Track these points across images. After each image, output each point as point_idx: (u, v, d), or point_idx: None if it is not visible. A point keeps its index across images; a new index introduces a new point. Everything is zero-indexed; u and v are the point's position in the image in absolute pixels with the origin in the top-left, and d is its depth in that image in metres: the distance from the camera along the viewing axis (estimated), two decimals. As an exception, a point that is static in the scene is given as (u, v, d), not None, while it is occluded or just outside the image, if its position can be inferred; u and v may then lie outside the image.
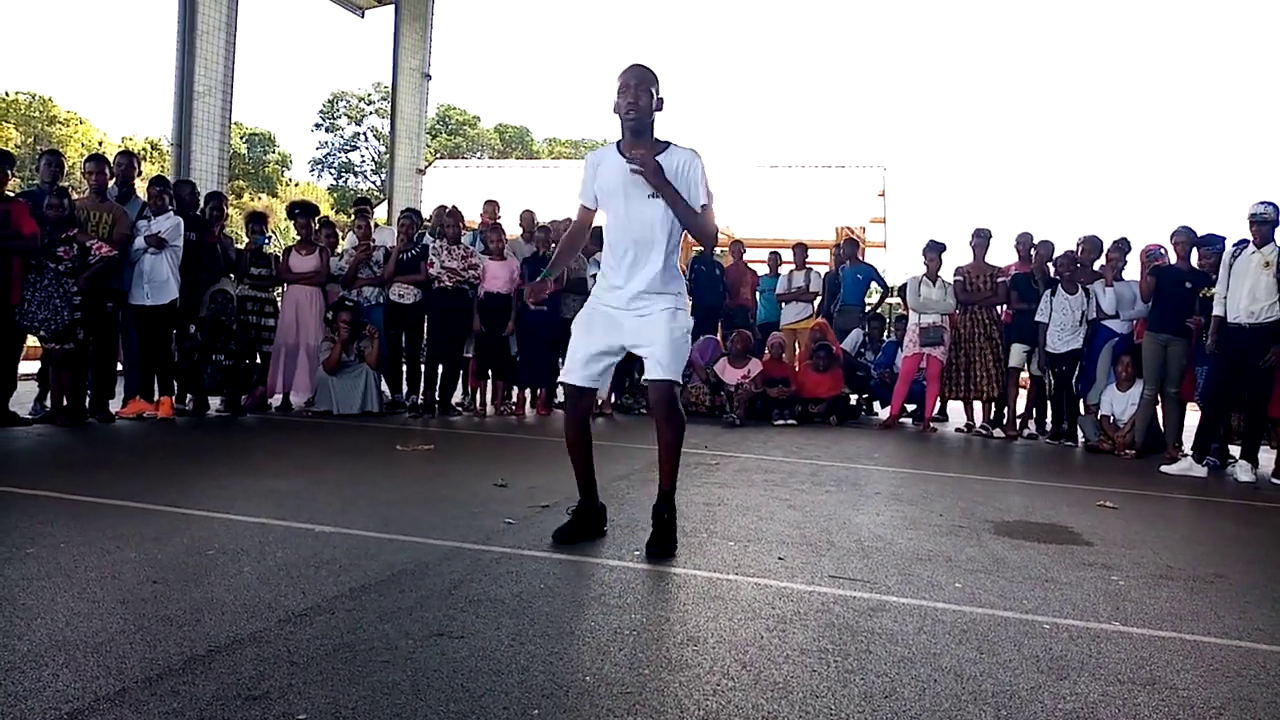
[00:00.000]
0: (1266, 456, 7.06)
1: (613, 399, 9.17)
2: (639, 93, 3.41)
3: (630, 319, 3.54)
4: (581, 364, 3.59)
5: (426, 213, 10.30)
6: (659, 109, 3.48)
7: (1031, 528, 4.51)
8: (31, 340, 6.82)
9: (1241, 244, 6.80)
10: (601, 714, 2.07)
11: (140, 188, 7.76)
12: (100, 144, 31.22)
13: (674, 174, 3.43)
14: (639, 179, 3.44)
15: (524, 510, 4.21)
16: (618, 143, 3.57)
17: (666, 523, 3.58)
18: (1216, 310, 6.84)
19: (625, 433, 7.71)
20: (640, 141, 3.47)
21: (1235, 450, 7.21)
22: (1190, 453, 7.15)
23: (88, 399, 6.87)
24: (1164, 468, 6.97)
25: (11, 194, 6.46)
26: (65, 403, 6.67)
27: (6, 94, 34.11)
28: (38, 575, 2.90)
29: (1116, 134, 74.57)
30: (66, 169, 7.66)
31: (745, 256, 11.02)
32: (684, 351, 3.58)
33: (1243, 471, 6.70)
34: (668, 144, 3.51)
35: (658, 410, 3.53)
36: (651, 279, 3.52)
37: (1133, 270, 8.49)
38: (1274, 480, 6.67)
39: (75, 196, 6.88)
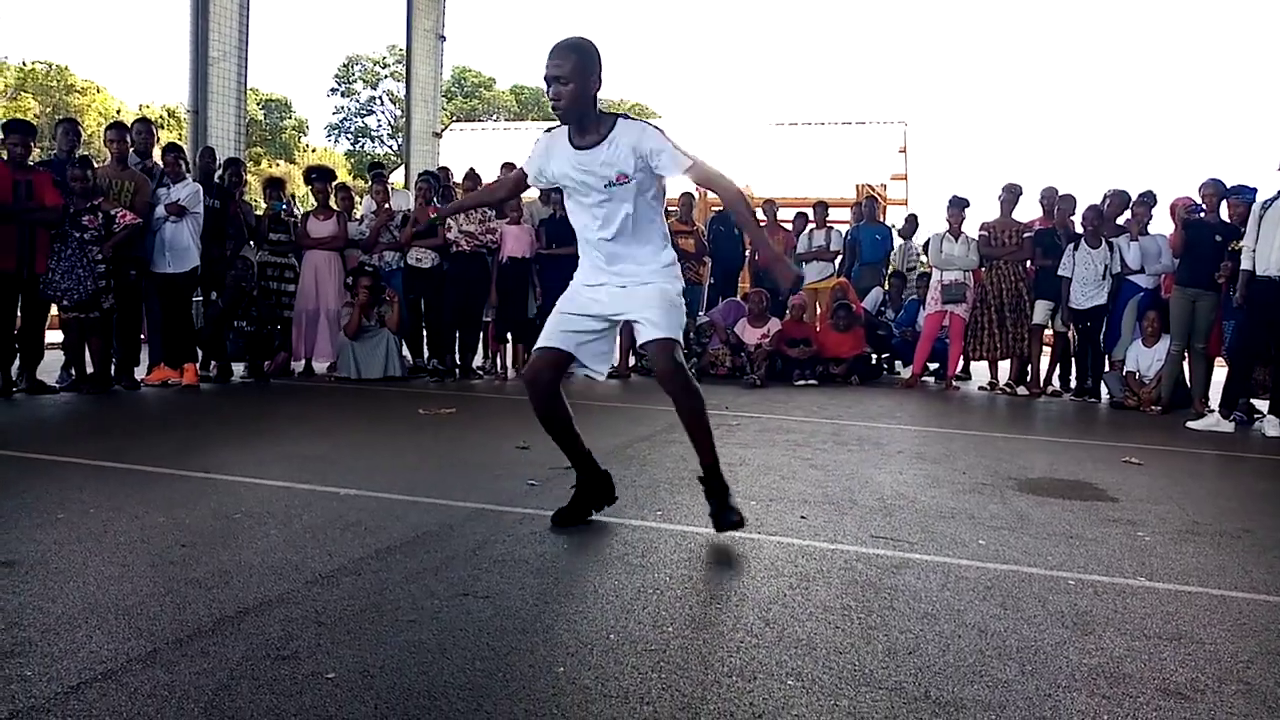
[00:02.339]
0: (1294, 411, 6.96)
1: (631, 361, 9.16)
2: (558, 87, 3.02)
3: (614, 294, 3.26)
4: (556, 332, 3.35)
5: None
6: (594, 89, 3.07)
7: (1056, 484, 4.49)
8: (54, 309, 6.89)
9: (1274, 196, 6.67)
10: (626, 670, 2.08)
11: (157, 155, 7.78)
12: (118, 112, 31.12)
13: (635, 159, 3.07)
14: (591, 176, 3.14)
15: (546, 472, 4.22)
16: (569, 127, 3.18)
17: (719, 495, 3.22)
18: (1245, 264, 6.71)
19: (647, 395, 7.70)
20: (582, 128, 3.13)
21: (1262, 405, 7.13)
22: (1217, 408, 7.07)
23: (113, 366, 6.95)
24: (1190, 423, 6.90)
25: (32, 164, 6.49)
26: (91, 370, 6.75)
27: (24, 64, 34.15)
28: (68, 540, 2.94)
29: (1145, 85, 73.11)
30: (84, 137, 7.67)
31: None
32: (677, 312, 3.20)
33: (1270, 426, 6.63)
34: (613, 123, 3.12)
35: (664, 379, 3.13)
36: (637, 260, 3.23)
37: (1159, 224, 8.36)
38: (1301, 435, 6.59)
39: (96, 165, 6.91)
